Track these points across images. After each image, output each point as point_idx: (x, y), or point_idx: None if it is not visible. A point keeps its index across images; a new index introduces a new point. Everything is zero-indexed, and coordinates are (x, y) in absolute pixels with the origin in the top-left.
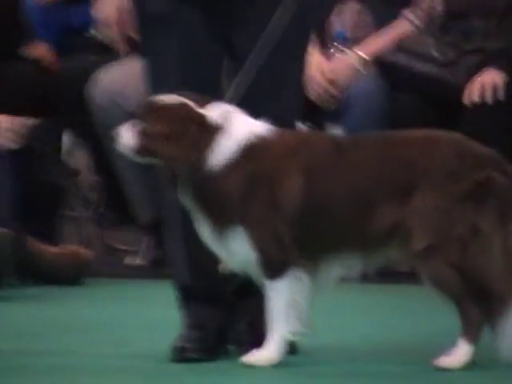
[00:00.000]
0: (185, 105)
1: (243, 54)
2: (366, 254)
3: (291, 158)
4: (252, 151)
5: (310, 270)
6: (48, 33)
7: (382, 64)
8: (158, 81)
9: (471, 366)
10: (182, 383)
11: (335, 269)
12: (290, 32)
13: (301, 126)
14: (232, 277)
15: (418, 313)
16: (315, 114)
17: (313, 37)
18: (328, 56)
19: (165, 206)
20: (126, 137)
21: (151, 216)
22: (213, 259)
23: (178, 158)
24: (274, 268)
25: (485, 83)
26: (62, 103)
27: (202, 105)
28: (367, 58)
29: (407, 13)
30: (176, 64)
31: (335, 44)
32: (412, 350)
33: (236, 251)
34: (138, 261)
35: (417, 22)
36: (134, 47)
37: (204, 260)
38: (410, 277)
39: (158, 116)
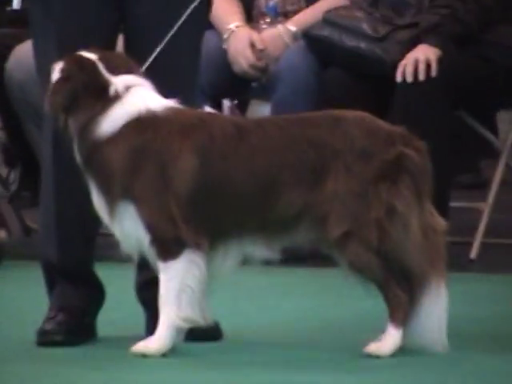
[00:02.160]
0: (94, 65)
1: (140, 27)
2: (271, 238)
3: (186, 138)
4: (143, 125)
5: (208, 252)
6: None
7: (310, 38)
8: (40, 50)
9: (400, 351)
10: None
11: (236, 252)
12: (194, 18)
13: (227, 104)
14: (140, 268)
15: (342, 295)
16: (242, 90)
17: (241, 10)
18: (257, 30)
19: (43, 168)
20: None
21: None
22: (84, 236)
23: (69, 115)
24: (167, 248)
25: (418, 59)
26: None
27: (116, 71)
28: (296, 30)
29: None
30: (55, 34)
31: (265, 17)
32: (338, 334)
33: (127, 228)
34: None
35: None
36: None
37: (75, 237)
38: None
39: (67, 69)
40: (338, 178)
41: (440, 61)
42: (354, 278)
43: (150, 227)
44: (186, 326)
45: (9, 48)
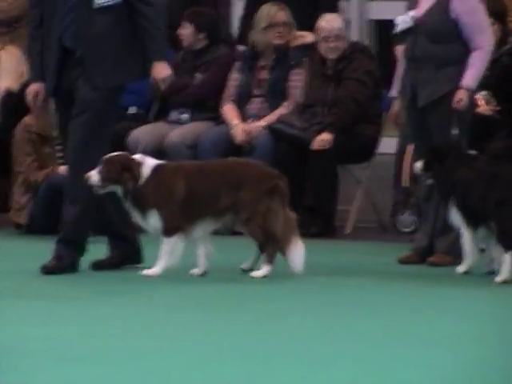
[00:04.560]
0: (125, 155)
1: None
2: (216, 220)
3: (178, 173)
4: (157, 172)
5: (187, 231)
6: None
7: (271, 129)
8: None
9: (272, 275)
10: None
11: (202, 228)
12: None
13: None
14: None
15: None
16: (238, 152)
17: (238, 114)
18: (246, 124)
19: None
20: (93, 174)
21: None
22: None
23: (124, 181)
24: (168, 233)
25: (322, 139)
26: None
27: (131, 155)
28: (265, 125)
29: (285, 103)
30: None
31: (250, 118)
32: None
33: (152, 224)
34: None
35: (290, 107)
36: None
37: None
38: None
39: (112, 161)
40: (246, 192)
41: (332, 140)
42: (250, 240)
43: (164, 222)
44: (170, 266)
45: (127, 132)
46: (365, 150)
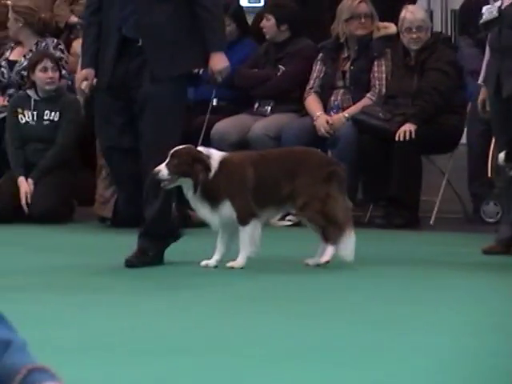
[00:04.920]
0: (193, 148)
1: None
2: (279, 208)
3: (245, 161)
4: (225, 163)
5: (259, 219)
6: None
7: (354, 120)
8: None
9: (334, 258)
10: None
11: (267, 216)
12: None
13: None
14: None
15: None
16: (322, 143)
17: (321, 106)
18: (329, 115)
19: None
20: (161, 168)
21: None
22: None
23: (196, 173)
24: (244, 220)
25: (405, 130)
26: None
27: (197, 148)
28: (348, 116)
29: (368, 94)
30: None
31: (333, 109)
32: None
33: (224, 215)
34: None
35: (373, 98)
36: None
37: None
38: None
39: (181, 154)
40: (302, 178)
41: (416, 131)
42: (309, 226)
43: (238, 211)
44: (252, 255)
45: (211, 125)
46: (449, 141)
